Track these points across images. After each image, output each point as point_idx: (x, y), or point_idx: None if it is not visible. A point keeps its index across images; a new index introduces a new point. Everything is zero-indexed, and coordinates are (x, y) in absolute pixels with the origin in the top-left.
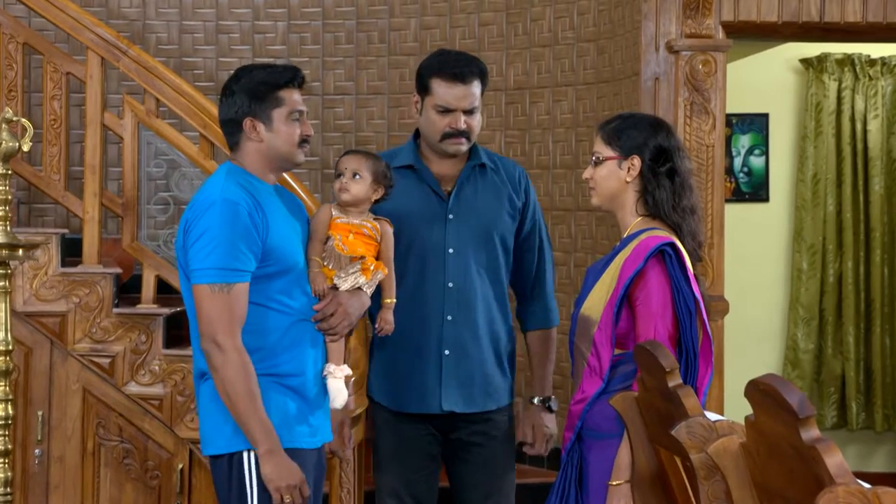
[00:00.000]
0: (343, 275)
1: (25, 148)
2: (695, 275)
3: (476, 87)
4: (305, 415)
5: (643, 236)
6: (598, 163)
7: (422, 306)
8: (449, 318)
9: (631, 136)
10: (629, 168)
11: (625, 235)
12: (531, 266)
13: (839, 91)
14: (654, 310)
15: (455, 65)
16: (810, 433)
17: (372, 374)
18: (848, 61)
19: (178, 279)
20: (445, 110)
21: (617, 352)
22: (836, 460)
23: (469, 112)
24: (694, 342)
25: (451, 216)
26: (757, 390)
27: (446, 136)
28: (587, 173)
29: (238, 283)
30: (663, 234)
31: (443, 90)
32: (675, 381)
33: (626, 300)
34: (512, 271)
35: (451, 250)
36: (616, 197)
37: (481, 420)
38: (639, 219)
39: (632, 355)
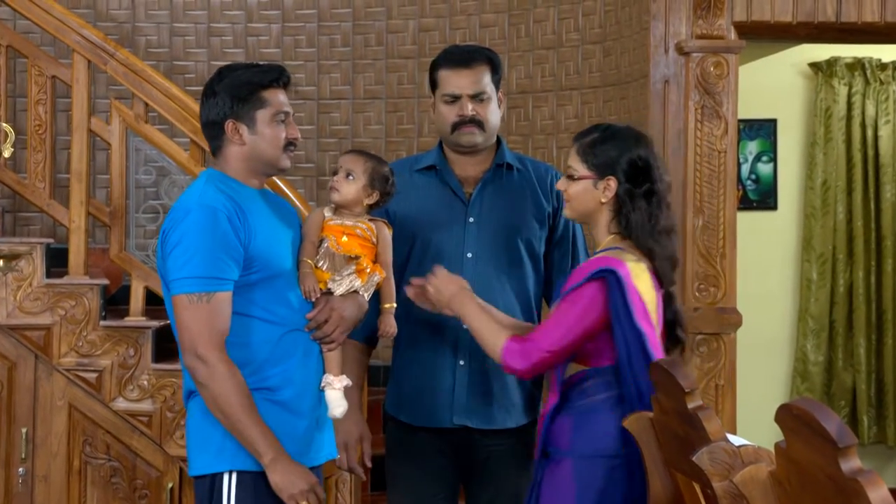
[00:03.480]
0: (338, 278)
1: (6, 154)
2: (669, 292)
3: (483, 73)
4: (297, 431)
5: (595, 255)
6: (572, 178)
7: (436, 313)
8: (465, 326)
9: (606, 152)
10: (605, 188)
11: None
12: (564, 275)
13: (849, 96)
14: (563, 321)
15: (459, 51)
16: (851, 464)
17: (388, 385)
18: (858, 65)
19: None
20: (452, 98)
21: (580, 367)
22: (880, 494)
23: (477, 99)
24: (636, 375)
25: (471, 219)
26: (790, 415)
27: (456, 127)
28: (562, 185)
29: (219, 292)
30: (615, 257)
31: (447, 78)
32: (694, 402)
33: None
34: (543, 281)
35: (469, 255)
36: (590, 215)
37: (498, 438)
38: (610, 237)
39: (594, 371)
